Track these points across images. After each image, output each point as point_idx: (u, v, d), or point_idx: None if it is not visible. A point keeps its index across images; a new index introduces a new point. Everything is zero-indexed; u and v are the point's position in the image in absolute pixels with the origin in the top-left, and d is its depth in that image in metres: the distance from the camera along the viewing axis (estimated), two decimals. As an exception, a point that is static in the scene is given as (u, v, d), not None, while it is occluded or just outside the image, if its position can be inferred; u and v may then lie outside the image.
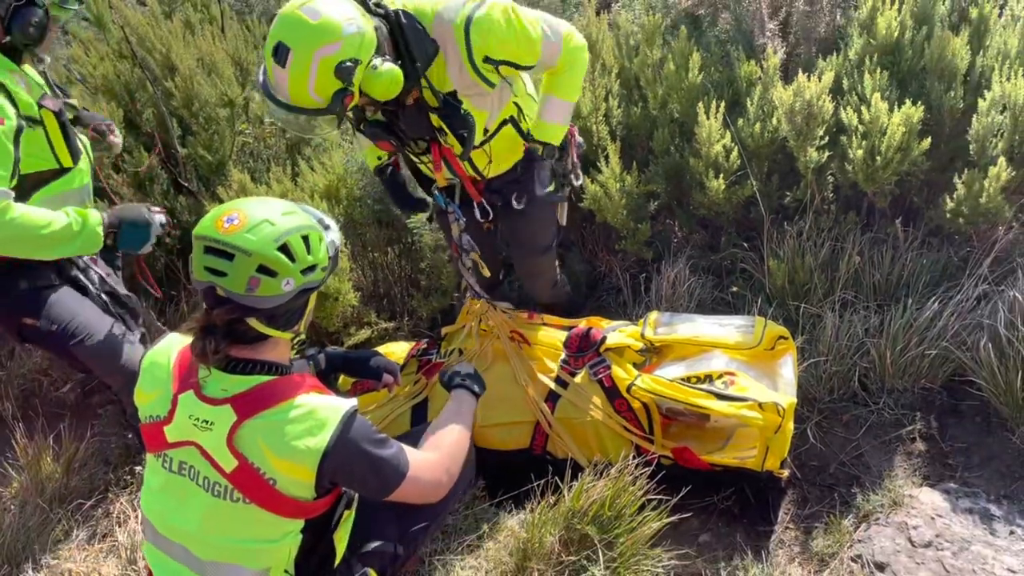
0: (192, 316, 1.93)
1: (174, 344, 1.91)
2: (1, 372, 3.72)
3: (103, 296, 2.70)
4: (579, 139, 2.89)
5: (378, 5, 2.31)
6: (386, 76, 2.21)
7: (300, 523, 1.82)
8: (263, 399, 1.76)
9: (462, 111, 2.47)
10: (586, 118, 3.53)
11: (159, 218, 2.59)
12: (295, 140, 4.14)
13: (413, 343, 3.26)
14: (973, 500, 2.59)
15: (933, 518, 2.50)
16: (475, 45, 2.33)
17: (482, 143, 2.65)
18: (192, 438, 1.77)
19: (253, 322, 1.78)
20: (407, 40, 2.32)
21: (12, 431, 3.24)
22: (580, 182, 2.89)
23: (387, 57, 2.25)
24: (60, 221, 2.37)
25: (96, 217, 2.45)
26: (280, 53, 2.08)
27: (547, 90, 2.65)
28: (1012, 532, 2.45)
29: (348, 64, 2.10)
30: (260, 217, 1.73)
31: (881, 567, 2.38)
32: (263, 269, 1.71)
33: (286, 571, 1.86)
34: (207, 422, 1.75)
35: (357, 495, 2.00)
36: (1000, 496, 2.61)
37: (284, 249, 1.73)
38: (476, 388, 2.30)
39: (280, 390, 1.78)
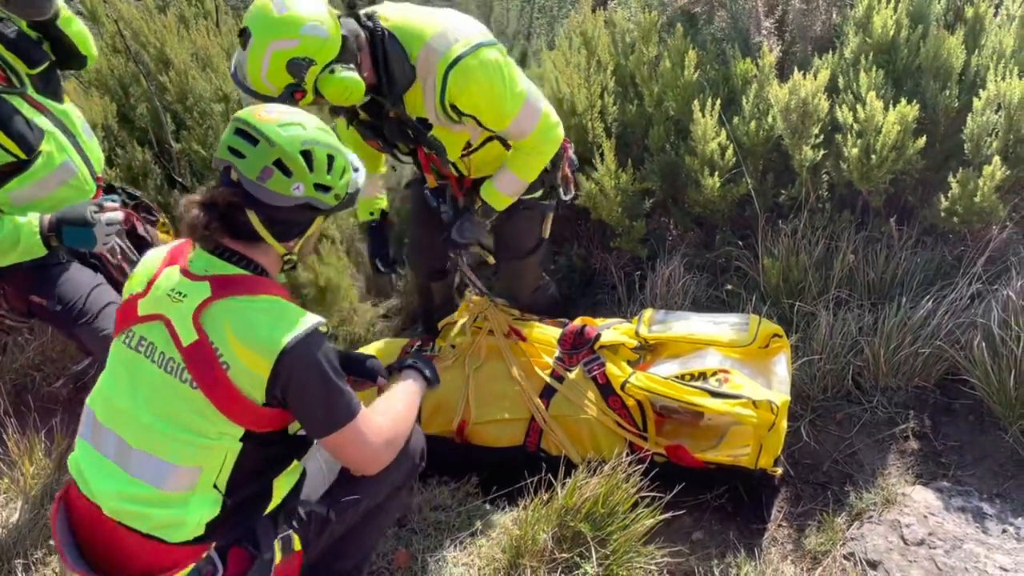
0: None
1: (172, 244, 1.91)
2: (-7, 367, 3.70)
3: (125, 266, 2.69)
4: (572, 155, 2.90)
5: (369, 18, 2.35)
6: (339, 83, 2.24)
7: (240, 431, 1.74)
8: (241, 285, 1.75)
9: (430, 136, 2.53)
10: (581, 115, 3.52)
11: (109, 216, 2.51)
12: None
13: (407, 340, 3.26)
14: (966, 498, 2.59)
15: (926, 516, 2.51)
16: (448, 90, 2.36)
17: (464, 155, 2.67)
18: (162, 311, 1.74)
19: (252, 216, 1.77)
20: (387, 61, 2.36)
21: (4, 426, 3.22)
22: (569, 196, 2.92)
23: (351, 67, 2.28)
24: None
25: (32, 226, 2.44)
26: (244, 36, 2.17)
27: (508, 163, 2.68)
28: (1004, 530, 2.46)
29: (301, 61, 2.16)
30: (297, 120, 1.77)
31: (874, 565, 2.38)
32: (280, 164, 1.73)
33: (215, 486, 1.76)
34: (181, 294, 1.73)
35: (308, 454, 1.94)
36: (993, 494, 2.62)
37: (306, 155, 1.75)
38: (427, 372, 2.19)
39: (260, 285, 1.78)
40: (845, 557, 2.44)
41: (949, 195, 3.02)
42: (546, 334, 2.98)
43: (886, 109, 2.98)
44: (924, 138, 2.99)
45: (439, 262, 3.27)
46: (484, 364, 2.92)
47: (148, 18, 4.13)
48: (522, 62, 4.48)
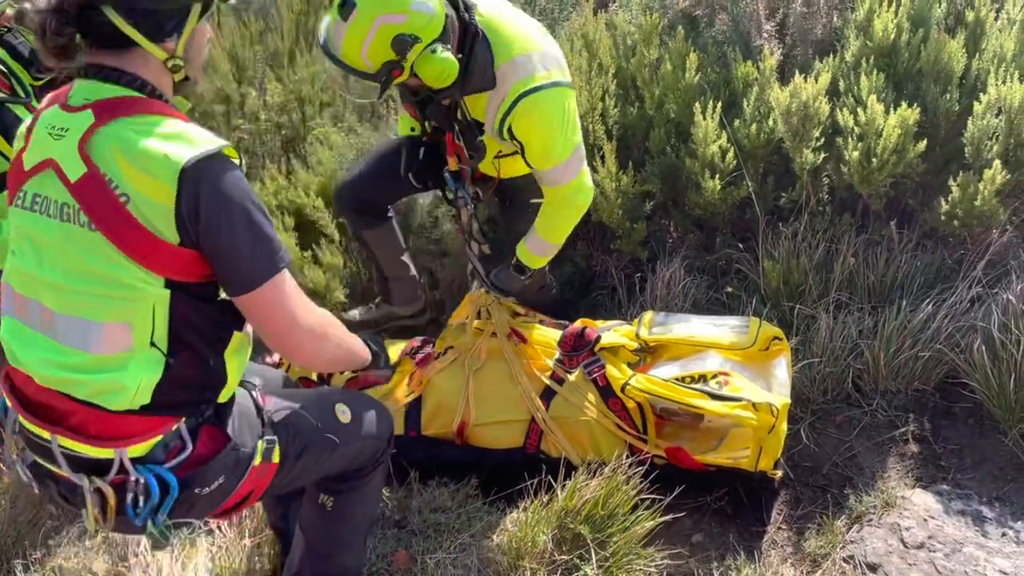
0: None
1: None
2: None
3: None
4: None
5: (467, 8, 2.32)
6: (440, 63, 2.18)
7: (160, 279, 1.52)
8: (130, 106, 1.53)
9: (479, 139, 2.54)
10: (583, 117, 3.52)
11: None
12: (290, 137, 4.14)
13: (407, 341, 3.26)
14: (965, 502, 2.59)
15: (926, 519, 2.51)
16: (514, 112, 2.37)
17: (496, 157, 2.68)
18: (47, 154, 1.53)
19: (110, 12, 1.50)
20: (472, 58, 2.33)
21: (2, 425, 3.22)
22: None
23: (449, 47, 2.23)
24: None
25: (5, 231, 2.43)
26: (346, 7, 2.08)
27: (536, 227, 2.74)
28: (1004, 534, 2.46)
29: (407, 38, 2.10)
30: None
31: (873, 568, 2.38)
32: None
33: (153, 344, 1.56)
34: (63, 129, 1.52)
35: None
36: (992, 498, 2.62)
37: None
38: (374, 346, 2.01)
39: (153, 106, 1.55)
40: (845, 560, 2.44)
41: (949, 199, 3.03)
42: (546, 336, 2.98)
43: (887, 112, 2.98)
44: (925, 142, 3.00)
45: (377, 201, 3.13)
46: (484, 365, 2.92)
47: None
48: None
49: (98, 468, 1.58)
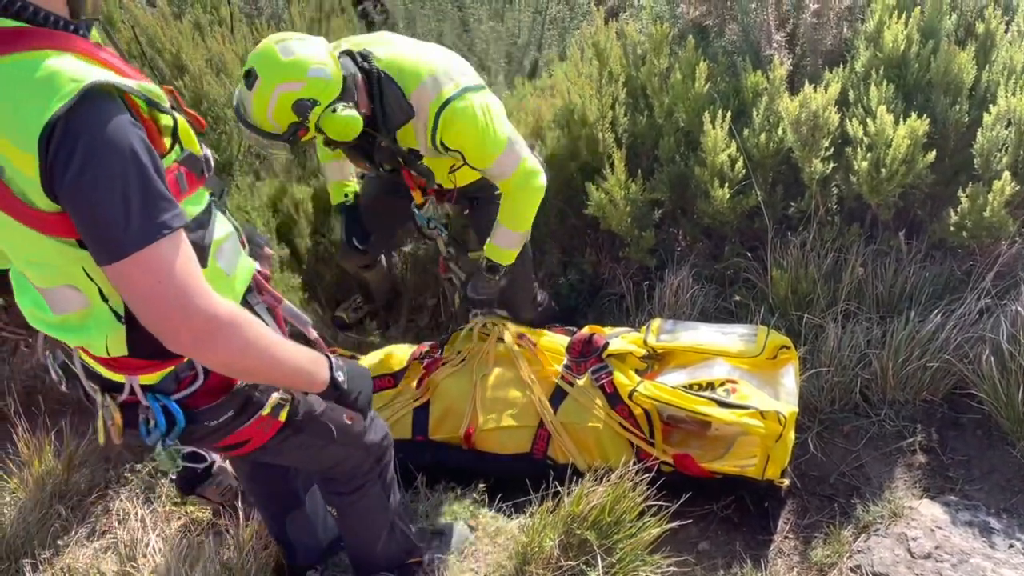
0: None
1: None
2: (4, 368, 3.73)
3: None
4: None
5: (364, 59, 2.49)
6: (341, 121, 2.36)
7: (72, 241, 1.33)
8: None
9: (419, 164, 2.70)
10: (592, 126, 3.54)
11: None
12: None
13: (416, 346, 3.27)
14: (973, 513, 2.59)
15: (933, 530, 2.50)
16: (439, 127, 2.52)
17: (450, 172, 2.79)
18: None
19: None
20: (384, 98, 2.51)
21: (14, 427, 3.24)
22: None
23: (350, 104, 2.41)
24: None
25: None
26: (250, 77, 2.27)
27: (499, 217, 2.84)
28: (1012, 545, 2.45)
29: (306, 102, 2.28)
30: None
31: (880, 578, 2.38)
32: None
33: (105, 299, 1.43)
34: None
35: None
36: (1000, 509, 2.61)
37: None
38: (340, 375, 1.72)
39: (24, 40, 1.24)
40: (852, 570, 2.43)
41: (958, 210, 3.03)
42: (554, 342, 2.99)
43: (896, 123, 2.99)
44: (934, 152, 3.00)
45: (370, 255, 3.34)
46: (492, 371, 2.93)
47: (164, 25, 4.17)
48: (533, 72, 4.51)
49: (111, 386, 1.59)
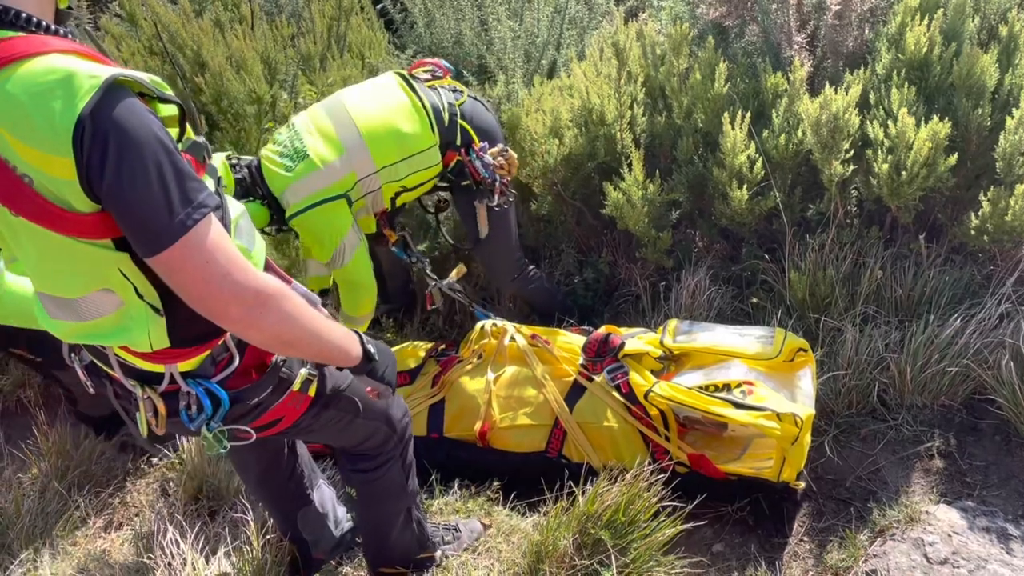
0: None
1: None
2: (24, 359, 3.76)
3: None
4: (487, 158, 3.11)
5: (236, 167, 2.87)
6: (254, 214, 2.74)
7: (108, 243, 1.35)
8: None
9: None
10: (610, 125, 3.54)
11: None
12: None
13: (432, 343, 3.28)
14: (990, 518, 2.57)
15: (950, 535, 2.49)
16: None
17: (396, 196, 3.10)
18: None
19: None
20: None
21: (34, 417, 3.28)
22: (494, 203, 3.19)
23: (250, 199, 2.84)
24: None
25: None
26: None
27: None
28: (1030, 552, 2.43)
29: None
30: None
31: (896, 583, 2.36)
32: None
33: (141, 297, 1.43)
34: None
35: None
36: (1018, 515, 2.59)
37: None
38: (371, 348, 1.78)
39: (22, 45, 1.25)
40: (867, 574, 2.42)
41: (979, 214, 3.00)
42: (570, 342, 2.99)
43: (917, 126, 2.97)
44: (955, 156, 2.98)
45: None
46: (507, 369, 2.93)
47: (185, 22, 4.20)
48: (551, 72, 4.50)
49: (150, 378, 1.60)
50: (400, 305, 4.00)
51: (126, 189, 1.24)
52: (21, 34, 1.26)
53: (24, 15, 1.27)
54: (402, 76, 3.07)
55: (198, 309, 1.36)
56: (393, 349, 3.22)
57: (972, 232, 3.04)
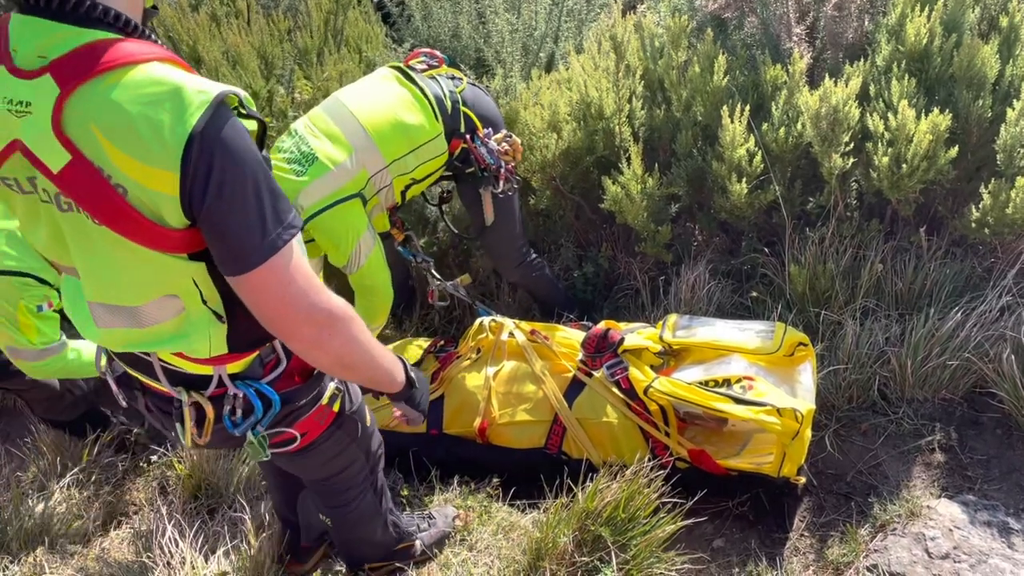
0: None
1: None
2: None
3: None
4: (491, 144, 3.12)
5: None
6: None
7: (184, 256, 1.34)
8: (95, 59, 1.19)
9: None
10: (609, 119, 3.52)
11: None
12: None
13: (431, 340, 3.27)
14: (992, 513, 2.56)
15: (951, 530, 2.48)
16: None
17: (405, 190, 3.08)
18: (13, 134, 1.23)
19: None
20: None
21: (31, 417, 3.27)
22: (499, 189, 3.17)
23: None
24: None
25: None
26: None
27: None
28: (1031, 547, 2.43)
29: None
30: None
31: (897, 578, 2.36)
32: None
33: (205, 303, 1.43)
34: (23, 104, 1.20)
35: None
36: (1020, 509, 2.58)
37: None
38: (413, 375, 1.84)
39: (124, 52, 1.21)
40: (868, 569, 2.41)
41: (980, 206, 2.99)
42: (569, 337, 2.98)
43: (918, 118, 2.95)
44: (956, 148, 2.96)
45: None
46: (506, 365, 2.92)
47: (181, 16, 4.18)
48: (549, 65, 4.48)
49: (196, 383, 1.58)
50: (399, 302, 3.98)
51: (227, 209, 1.25)
52: (113, 35, 1.22)
53: (113, 13, 1.23)
54: (398, 69, 3.05)
55: (270, 327, 1.38)
56: (391, 345, 3.24)
57: (973, 225, 3.02)
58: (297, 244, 1.34)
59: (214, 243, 1.30)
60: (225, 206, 1.24)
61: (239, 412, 1.59)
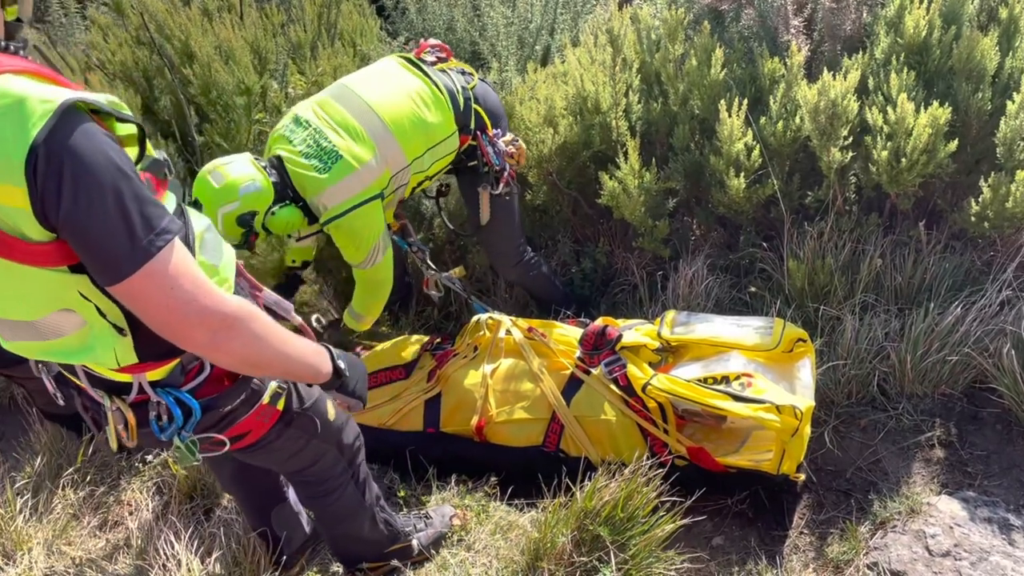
0: None
1: None
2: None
3: None
4: (500, 145, 3.12)
5: (267, 169, 2.73)
6: (281, 219, 2.71)
7: (64, 268, 1.30)
8: None
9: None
10: (606, 113, 3.49)
11: None
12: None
13: (428, 337, 3.25)
14: (992, 509, 2.55)
15: (951, 527, 2.47)
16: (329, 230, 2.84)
17: (417, 187, 3.12)
18: None
19: None
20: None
21: (27, 415, 3.25)
22: (499, 191, 3.18)
23: (287, 203, 2.74)
24: None
25: None
26: (197, 206, 2.60)
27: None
28: (1032, 543, 2.41)
29: (246, 216, 2.64)
30: None
31: (898, 575, 2.34)
32: None
33: (103, 316, 1.39)
34: None
35: None
36: (1020, 506, 2.57)
37: None
38: (341, 363, 1.75)
39: None
40: (868, 567, 2.40)
41: (980, 200, 2.97)
42: (566, 335, 2.96)
43: (917, 111, 2.92)
44: (956, 141, 2.94)
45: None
46: (503, 362, 2.90)
47: (172, 11, 4.14)
48: (545, 59, 4.45)
49: (119, 388, 1.57)
50: (396, 298, 3.95)
51: (83, 218, 1.20)
52: None
53: None
54: (408, 60, 3.00)
55: (161, 334, 1.34)
56: (388, 343, 3.22)
57: (972, 218, 3.00)
58: (178, 248, 1.30)
59: (81, 253, 1.26)
60: (83, 215, 1.20)
61: (164, 418, 1.58)
